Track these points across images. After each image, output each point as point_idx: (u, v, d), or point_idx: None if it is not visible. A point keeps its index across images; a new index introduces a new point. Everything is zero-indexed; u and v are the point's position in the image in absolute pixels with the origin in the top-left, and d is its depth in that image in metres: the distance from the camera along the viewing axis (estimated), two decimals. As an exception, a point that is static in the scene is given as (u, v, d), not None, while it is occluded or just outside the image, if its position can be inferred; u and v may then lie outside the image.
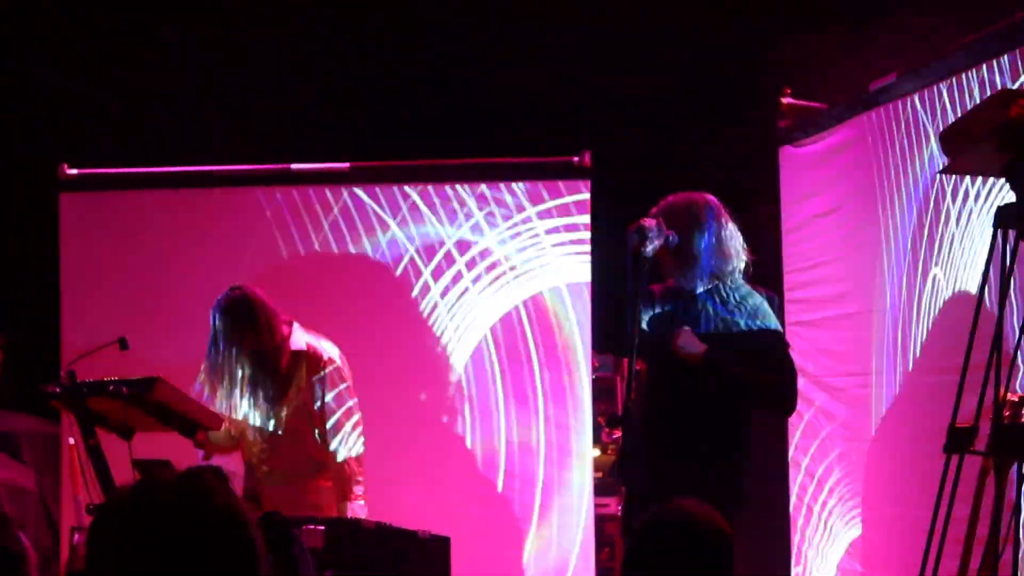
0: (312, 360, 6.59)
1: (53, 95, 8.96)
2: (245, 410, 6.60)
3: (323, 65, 9.18)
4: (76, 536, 6.75)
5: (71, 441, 6.72)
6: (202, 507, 2.25)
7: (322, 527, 5.81)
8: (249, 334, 6.51)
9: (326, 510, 6.51)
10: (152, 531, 2.23)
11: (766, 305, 5.78)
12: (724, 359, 5.61)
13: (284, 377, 6.58)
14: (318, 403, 6.57)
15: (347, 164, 8.38)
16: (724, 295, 5.76)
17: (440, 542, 6.29)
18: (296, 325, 6.66)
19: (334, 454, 6.56)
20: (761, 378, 5.65)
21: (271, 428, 6.59)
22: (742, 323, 5.73)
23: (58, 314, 8.28)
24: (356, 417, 6.64)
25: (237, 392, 6.58)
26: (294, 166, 8.38)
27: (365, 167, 8.41)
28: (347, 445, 6.58)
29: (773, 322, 5.78)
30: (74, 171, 8.33)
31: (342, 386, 6.63)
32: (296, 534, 5.05)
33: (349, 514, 6.45)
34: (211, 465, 2.34)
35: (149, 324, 8.09)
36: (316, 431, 6.58)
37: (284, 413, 6.59)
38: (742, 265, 5.85)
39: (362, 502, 6.55)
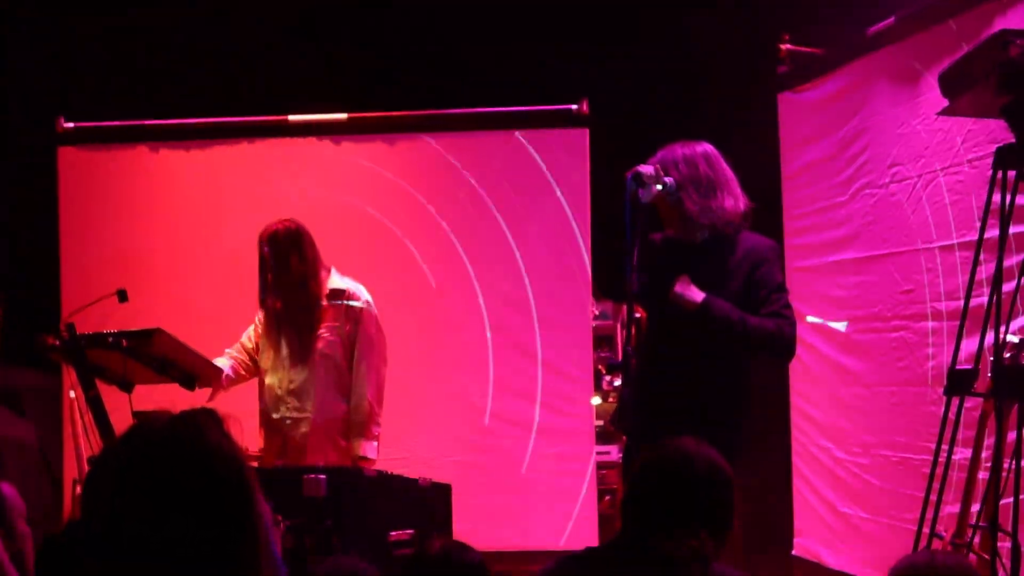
0: (349, 299, 6.79)
1: (50, 48, 8.92)
2: (278, 341, 6.73)
3: (320, 15, 9.13)
4: (78, 488, 6.76)
5: (72, 394, 6.73)
6: (194, 448, 2.24)
7: (323, 476, 5.83)
8: (296, 264, 6.65)
9: (346, 452, 6.68)
10: (144, 473, 2.22)
11: (765, 253, 5.76)
12: (722, 307, 5.60)
13: (321, 312, 6.74)
14: (350, 339, 6.75)
15: (344, 115, 8.36)
16: (723, 244, 5.75)
17: (441, 489, 6.31)
18: (333, 270, 6.86)
19: (359, 390, 6.71)
20: (760, 325, 5.63)
21: (302, 361, 6.70)
22: (741, 272, 5.72)
23: (58, 267, 8.28)
24: (382, 361, 6.83)
25: (273, 318, 6.73)
26: (291, 117, 8.37)
27: (363, 118, 8.40)
28: (371, 384, 6.74)
29: (772, 270, 5.76)
30: (71, 124, 8.32)
31: (373, 329, 6.81)
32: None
33: (362, 452, 6.61)
34: (205, 408, 2.32)
35: (148, 276, 8.10)
36: (346, 368, 6.77)
37: (316, 347, 6.70)
38: (740, 213, 5.82)
39: (376, 443, 6.71)
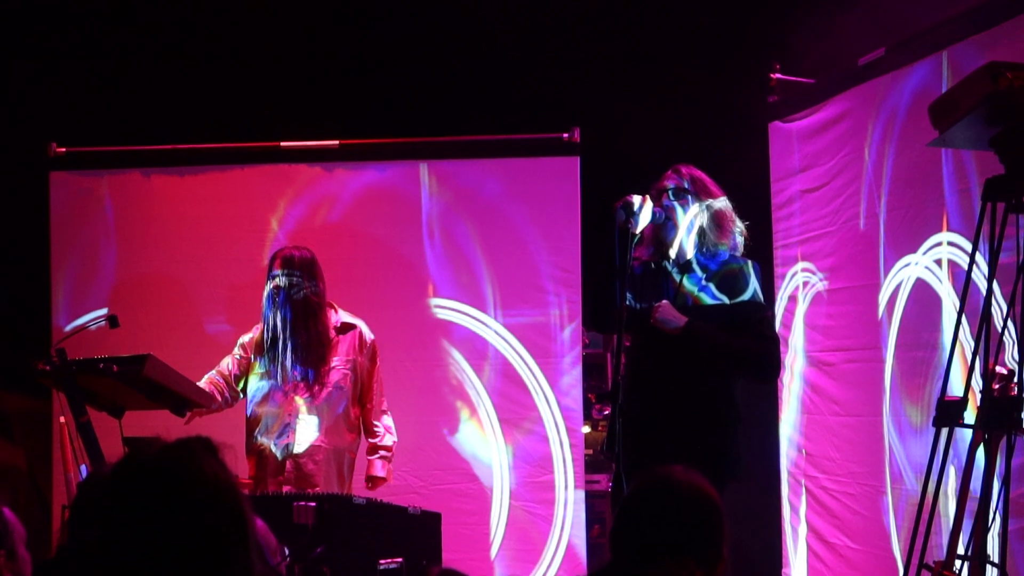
0: (361, 335, 6.93)
1: (42, 73, 8.92)
2: (280, 368, 6.75)
3: (312, 42, 9.15)
4: (67, 514, 6.76)
5: (62, 419, 6.73)
6: (187, 477, 2.24)
7: (313, 504, 5.83)
8: (309, 293, 6.71)
9: (348, 481, 6.75)
10: (138, 501, 2.23)
11: (745, 273, 5.80)
12: (706, 330, 5.63)
13: (331, 343, 6.83)
14: (364, 372, 6.90)
15: (336, 142, 8.36)
16: (704, 267, 5.79)
17: (431, 518, 6.31)
18: (335, 304, 6.98)
19: (382, 420, 6.93)
20: (743, 346, 5.68)
21: (314, 390, 6.73)
22: (722, 294, 5.76)
23: (48, 292, 8.27)
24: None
25: (282, 346, 6.75)
26: (283, 144, 8.37)
27: (354, 145, 8.40)
28: (387, 413, 6.99)
29: (753, 291, 5.80)
30: (63, 149, 8.31)
31: (380, 362, 6.99)
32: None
33: (379, 472, 6.86)
34: (200, 436, 2.33)
35: (139, 302, 8.09)
36: (357, 400, 6.91)
37: (330, 378, 6.76)
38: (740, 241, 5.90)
39: (390, 465, 6.95)
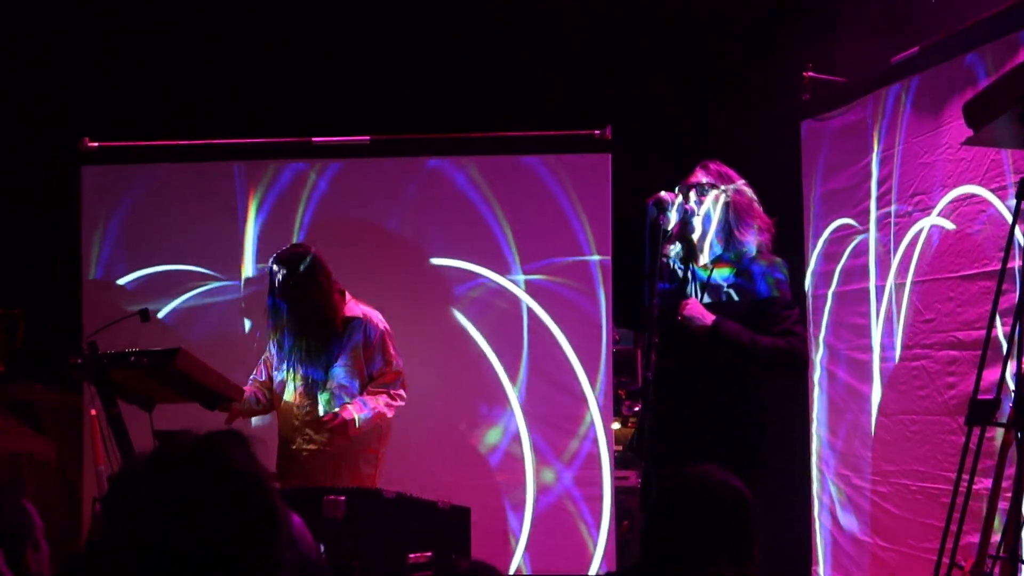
0: (368, 327, 6.85)
1: (75, 68, 8.95)
2: (296, 366, 6.74)
3: (345, 38, 9.15)
4: (97, 507, 6.79)
5: (93, 412, 6.76)
6: (219, 470, 2.24)
7: (343, 497, 5.84)
8: (311, 290, 6.67)
9: (366, 480, 6.70)
10: (169, 495, 2.22)
11: (771, 270, 5.80)
12: (733, 328, 5.63)
13: (339, 339, 6.73)
14: (375, 367, 6.84)
15: (368, 137, 8.37)
16: (730, 263, 5.78)
17: (460, 512, 6.31)
18: (348, 295, 6.89)
19: (371, 402, 6.78)
20: (771, 344, 5.67)
21: (319, 392, 6.72)
22: (749, 291, 5.75)
23: (79, 285, 8.30)
24: (401, 382, 6.94)
25: (288, 347, 6.74)
26: (315, 139, 8.38)
27: (386, 140, 8.40)
28: (383, 399, 6.82)
29: (780, 289, 5.79)
30: (95, 144, 8.33)
31: (392, 354, 6.91)
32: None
33: (344, 413, 6.66)
34: (231, 429, 2.33)
35: (170, 296, 8.11)
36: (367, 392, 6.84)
37: (337, 373, 6.71)
38: (763, 238, 5.88)
39: (356, 422, 6.70)
